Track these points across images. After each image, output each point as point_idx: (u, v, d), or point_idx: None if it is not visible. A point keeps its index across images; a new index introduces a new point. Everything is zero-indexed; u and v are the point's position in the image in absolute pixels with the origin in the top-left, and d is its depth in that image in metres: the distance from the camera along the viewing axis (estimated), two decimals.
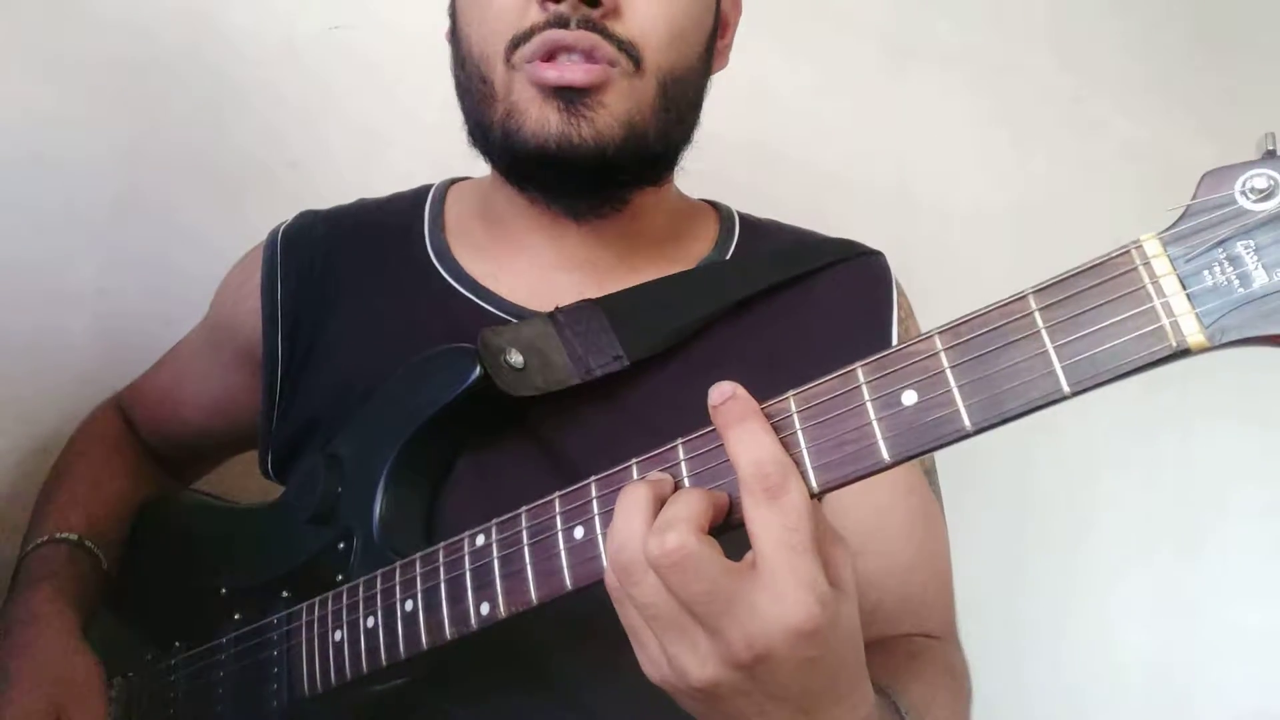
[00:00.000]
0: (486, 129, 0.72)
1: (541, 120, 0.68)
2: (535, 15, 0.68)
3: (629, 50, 0.68)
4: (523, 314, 0.75)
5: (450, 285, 0.78)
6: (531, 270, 0.78)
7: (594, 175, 0.71)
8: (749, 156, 1.30)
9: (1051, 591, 1.54)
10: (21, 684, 0.73)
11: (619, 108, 0.69)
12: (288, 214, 0.87)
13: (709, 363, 0.74)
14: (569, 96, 0.68)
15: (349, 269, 0.82)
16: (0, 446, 0.96)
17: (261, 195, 1.09)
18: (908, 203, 1.47)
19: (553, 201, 0.76)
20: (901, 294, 0.82)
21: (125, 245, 1.05)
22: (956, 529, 0.82)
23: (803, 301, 0.78)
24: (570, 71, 0.67)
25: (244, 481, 0.97)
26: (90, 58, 1.03)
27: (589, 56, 0.68)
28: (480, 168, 0.83)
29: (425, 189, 0.87)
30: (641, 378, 0.72)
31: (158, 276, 1.06)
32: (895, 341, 0.78)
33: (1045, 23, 1.61)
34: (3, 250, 0.98)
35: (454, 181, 0.89)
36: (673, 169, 0.79)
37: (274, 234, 0.85)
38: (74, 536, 0.83)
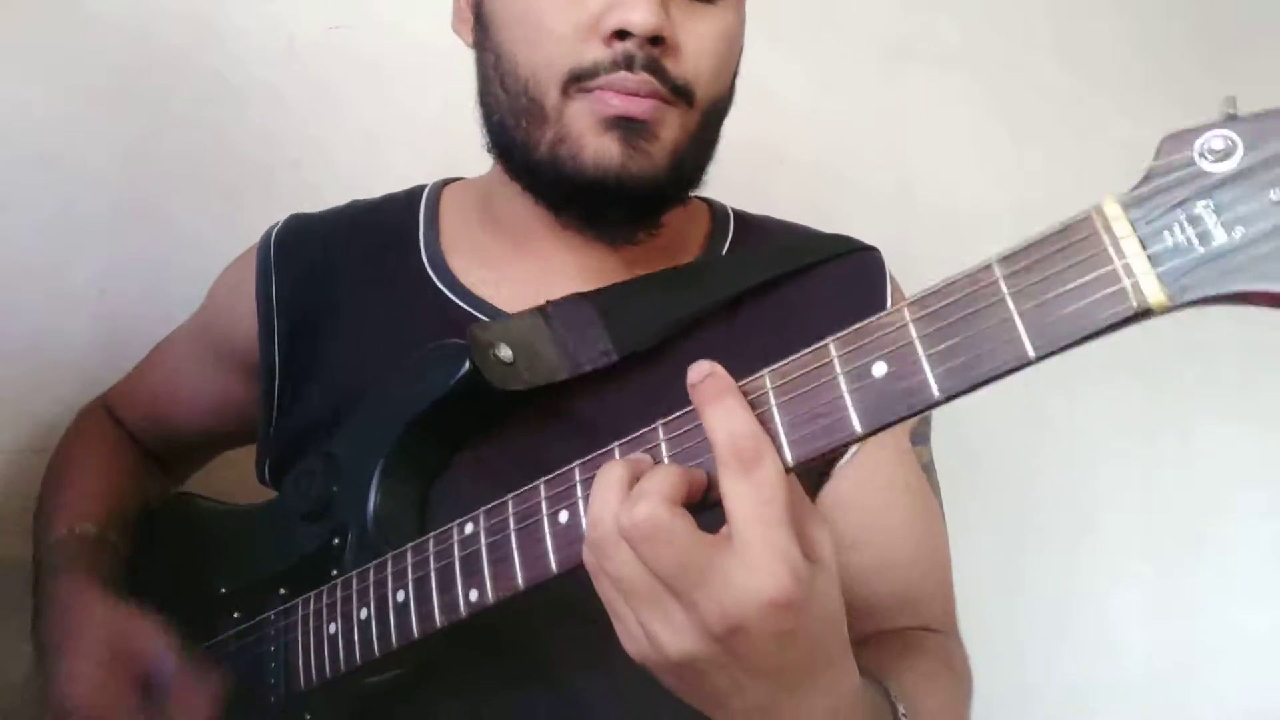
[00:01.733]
0: (529, 148, 0.72)
1: (602, 150, 0.68)
2: (598, 52, 0.67)
3: (680, 89, 0.69)
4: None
5: (446, 297, 0.78)
6: (531, 273, 0.78)
7: (645, 205, 0.72)
8: (748, 156, 1.29)
9: (1052, 591, 1.54)
10: (75, 645, 0.72)
11: (671, 141, 0.70)
12: (288, 213, 0.87)
13: (700, 358, 0.74)
14: (628, 127, 0.68)
15: (344, 273, 0.82)
16: (0, 446, 0.97)
17: (261, 195, 1.09)
18: (907, 202, 1.47)
19: (591, 227, 0.75)
20: (897, 288, 0.82)
21: (125, 246, 1.06)
22: (958, 528, 0.82)
23: (797, 297, 0.78)
24: (634, 105, 0.68)
25: (241, 482, 0.97)
26: (90, 58, 1.04)
27: (650, 92, 0.68)
28: (479, 168, 0.83)
29: (419, 190, 0.87)
30: (631, 373, 0.73)
31: (158, 277, 1.06)
32: None
33: (1045, 23, 1.61)
34: (3, 251, 0.99)
35: (447, 182, 0.88)
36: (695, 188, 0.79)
37: (266, 237, 0.85)
38: (93, 528, 0.83)
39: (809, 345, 0.74)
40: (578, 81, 0.68)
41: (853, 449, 0.76)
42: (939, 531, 0.80)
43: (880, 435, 0.75)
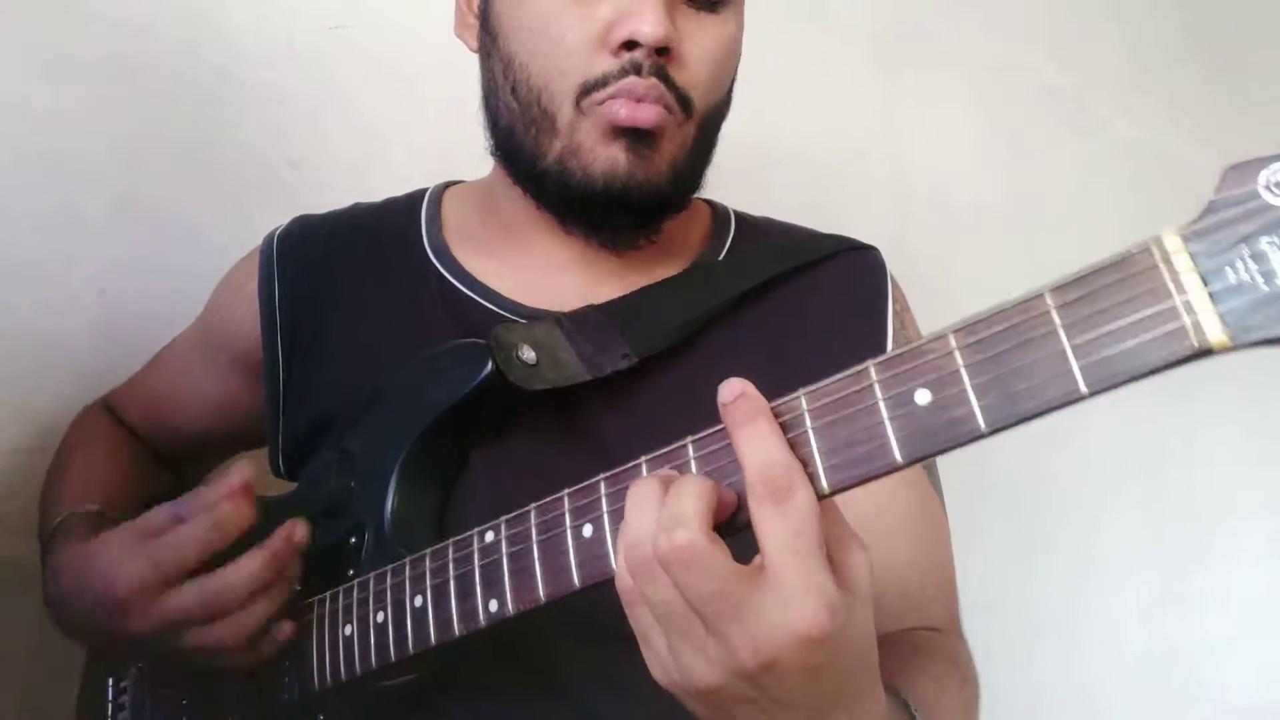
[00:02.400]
0: (537, 156, 0.73)
1: (611, 160, 0.69)
2: (608, 63, 0.68)
3: (683, 98, 0.70)
4: (522, 310, 0.76)
5: (449, 282, 0.79)
6: (534, 267, 0.79)
7: (647, 212, 0.73)
8: (747, 156, 1.28)
9: (1060, 591, 1.54)
10: (102, 565, 0.69)
11: (671, 150, 0.71)
12: (289, 213, 0.87)
13: (714, 358, 0.74)
14: (634, 137, 0.69)
15: (347, 270, 0.82)
16: (0, 446, 0.97)
17: (262, 195, 1.09)
18: (907, 202, 1.47)
19: (594, 234, 0.76)
20: (896, 287, 0.82)
21: (126, 246, 1.05)
22: (968, 531, 0.82)
23: (800, 295, 0.79)
24: (642, 113, 0.68)
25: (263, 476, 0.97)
26: (91, 58, 1.03)
27: (657, 97, 0.69)
28: (479, 168, 0.83)
29: (420, 193, 0.88)
30: (649, 376, 0.73)
31: (159, 277, 1.06)
32: (890, 334, 0.78)
33: (1044, 23, 1.61)
34: (3, 251, 0.98)
35: (448, 185, 0.89)
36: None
37: (269, 239, 0.85)
38: (94, 507, 0.83)
39: (814, 341, 0.73)
40: (589, 94, 0.69)
41: None
42: (941, 531, 0.79)
43: None
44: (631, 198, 0.70)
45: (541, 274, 0.78)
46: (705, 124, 0.73)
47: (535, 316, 0.75)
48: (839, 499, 0.72)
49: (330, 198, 0.90)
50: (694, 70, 0.70)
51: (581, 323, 0.72)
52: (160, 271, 1.06)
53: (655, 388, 0.73)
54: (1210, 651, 1.63)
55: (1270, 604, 1.66)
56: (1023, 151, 1.57)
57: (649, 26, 0.66)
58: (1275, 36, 1.72)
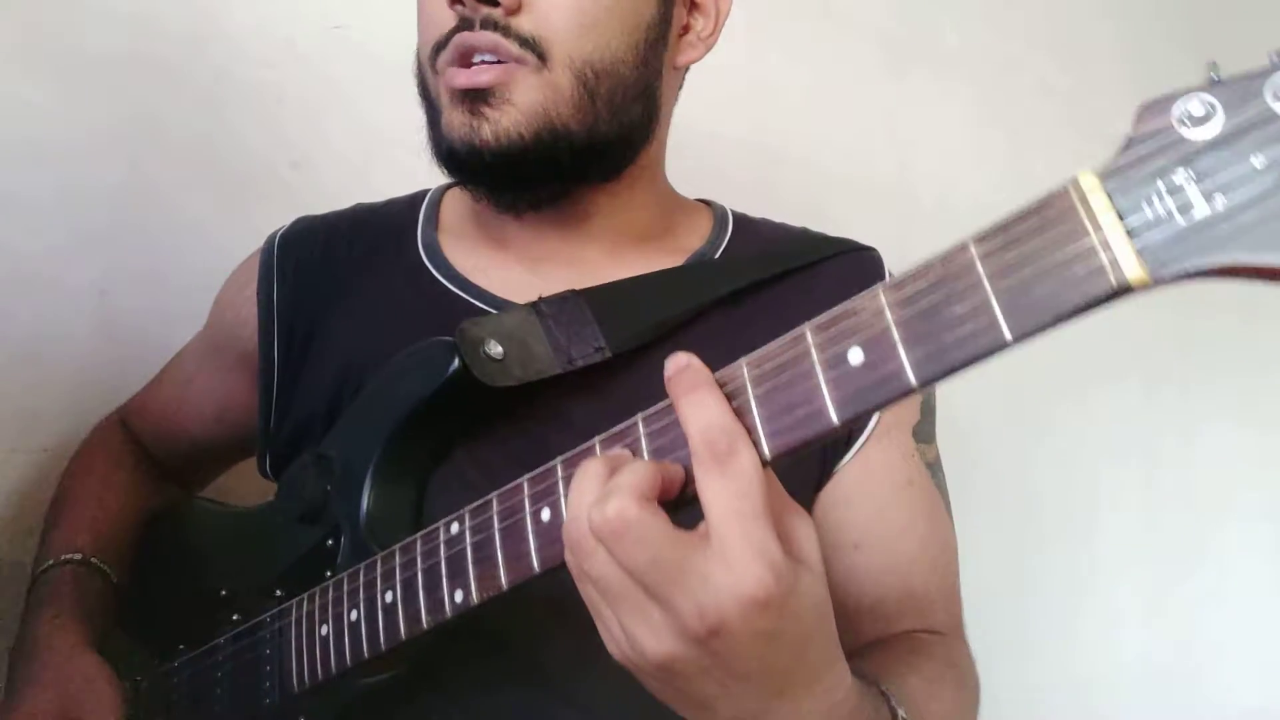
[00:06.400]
0: (430, 130, 0.75)
1: (454, 124, 0.70)
2: (449, 20, 0.69)
3: (532, 45, 0.68)
4: (508, 306, 0.75)
5: (436, 280, 0.79)
6: (519, 264, 0.79)
7: (506, 173, 0.71)
8: (748, 155, 1.30)
9: (1057, 591, 1.53)
10: (28, 691, 0.73)
11: (527, 102, 0.69)
12: (289, 213, 0.87)
13: (694, 353, 0.73)
14: (474, 97, 0.69)
15: (344, 269, 0.82)
16: (0, 447, 0.97)
17: (263, 195, 1.09)
18: (907, 202, 1.47)
19: (500, 205, 0.77)
20: None
21: (126, 246, 1.06)
22: (966, 531, 0.81)
23: (794, 296, 0.77)
24: (476, 75, 0.68)
25: (243, 483, 0.98)
26: (91, 58, 1.04)
27: (496, 56, 0.68)
28: None
29: (422, 193, 0.88)
30: (624, 369, 0.72)
31: (159, 277, 1.06)
32: None
33: (1045, 23, 1.61)
34: (3, 251, 0.98)
35: (450, 185, 0.89)
36: (627, 164, 0.77)
37: (271, 239, 0.86)
38: (78, 556, 0.84)
39: None
40: (437, 55, 0.71)
41: (855, 447, 0.75)
42: (944, 531, 0.78)
43: (882, 433, 0.75)
44: (487, 158, 0.69)
45: (527, 269, 0.78)
46: (585, 74, 0.70)
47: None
48: (841, 499, 0.73)
49: (330, 198, 0.90)
50: (545, 15, 0.68)
51: (559, 307, 0.72)
52: (160, 272, 1.06)
53: (633, 380, 0.72)
54: (1208, 652, 1.61)
55: (1269, 604, 1.64)
56: (1024, 151, 1.56)
57: None
58: (1276, 36, 1.70)
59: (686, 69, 0.81)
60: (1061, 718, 1.50)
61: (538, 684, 0.67)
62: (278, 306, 0.82)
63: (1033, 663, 1.45)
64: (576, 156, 0.72)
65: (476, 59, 0.69)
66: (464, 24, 0.68)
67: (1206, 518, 1.63)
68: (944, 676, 0.68)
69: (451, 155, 0.71)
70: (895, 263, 0.83)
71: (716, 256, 0.81)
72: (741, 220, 0.85)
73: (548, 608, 0.63)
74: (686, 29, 0.78)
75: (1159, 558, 1.60)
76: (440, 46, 0.70)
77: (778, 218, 0.88)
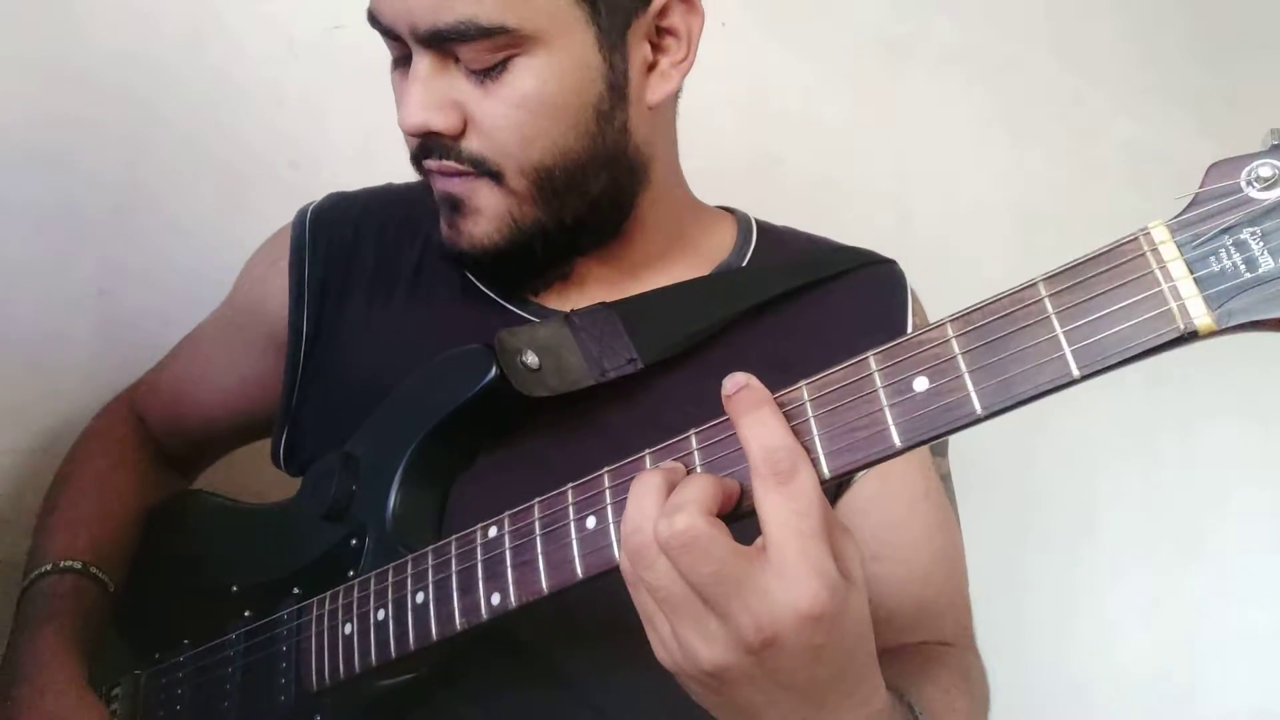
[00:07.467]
0: None
1: (442, 226, 0.75)
2: (414, 140, 0.73)
3: (481, 166, 0.70)
4: (542, 310, 0.77)
5: (470, 282, 0.79)
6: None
7: (498, 266, 0.75)
8: (748, 155, 1.30)
9: (1054, 590, 1.53)
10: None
11: (491, 209, 0.72)
12: (289, 213, 0.87)
13: (723, 366, 0.73)
14: (451, 206, 0.73)
15: (375, 250, 0.82)
16: (0, 446, 0.96)
17: (262, 195, 1.09)
18: (907, 202, 1.47)
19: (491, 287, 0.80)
20: (916, 301, 0.83)
21: (126, 246, 1.05)
22: (964, 531, 0.82)
23: (818, 308, 0.79)
24: (446, 184, 0.72)
25: (250, 478, 0.97)
26: (91, 58, 1.03)
27: (452, 174, 0.71)
28: None
29: None
30: (655, 380, 0.73)
31: (159, 277, 1.06)
32: None
33: (1045, 22, 1.61)
34: (3, 251, 0.98)
35: None
36: (624, 218, 0.77)
37: (303, 213, 0.85)
38: (78, 564, 0.82)
39: (830, 355, 0.75)
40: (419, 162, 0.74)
41: None
42: (957, 544, 0.80)
43: None
44: (469, 260, 0.74)
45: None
46: (539, 176, 0.70)
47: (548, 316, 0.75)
48: (860, 510, 0.75)
49: None
50: (491, 136, 0.69)
51: (591, 319, 0.73)
52: (160, 271, 1.06)
53: (663, 390, 0.74)
54: (1208, 652, 1.62)
55: (1268, 604, 1.64)
56: (1025, 151, 1.56)
57: (403, 117, 0.69)
58: (1277, 36, 1.73)
59: (678, 94, 0.79)
60: (1058, 716, 1.51)
61: (556, 686, 0.68)
62: (309, 278, 0.82)
63: (1030, 661, 1.46)
64: (559, 239, 0.74)
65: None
66: (421, 150, 0.72)
67: (1205, 515, 1.62)
68: (957, 688, 0.70)
69: (450, 252, 0.75)
70: (895, 259, 0.85)
71: (743, 265, 0.82)
72: (765, 229, 0.86)
73: (570, 611, 0.64)
74: (654, 65, 0.74)
75: (1157, 555, 1.60)
76: (416, 159, 0.74)
77: (778, 218, 0.89)
